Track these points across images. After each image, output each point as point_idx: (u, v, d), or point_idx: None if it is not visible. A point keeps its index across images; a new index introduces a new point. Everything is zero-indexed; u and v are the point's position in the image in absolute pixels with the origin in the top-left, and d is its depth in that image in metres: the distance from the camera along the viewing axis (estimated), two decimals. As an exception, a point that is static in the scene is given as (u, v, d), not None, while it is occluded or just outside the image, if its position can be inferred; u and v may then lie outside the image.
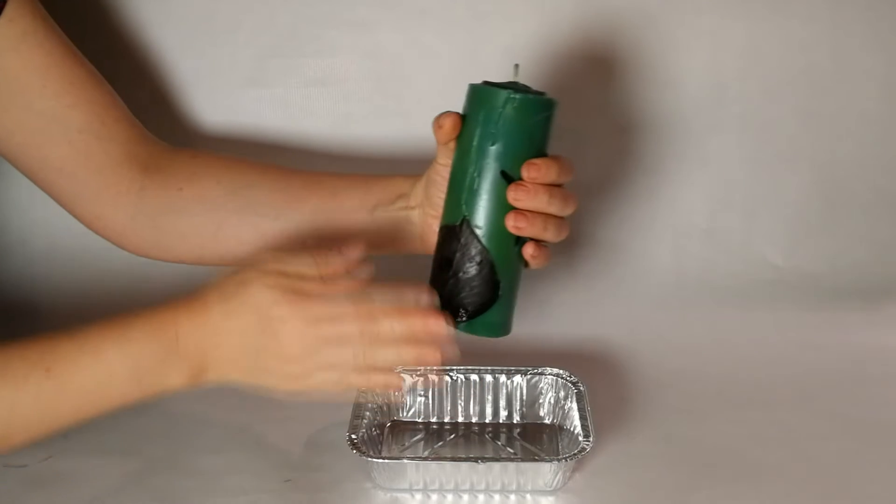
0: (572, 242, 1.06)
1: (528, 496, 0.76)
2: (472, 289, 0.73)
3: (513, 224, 0.70)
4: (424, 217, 0.77)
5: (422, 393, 0.88)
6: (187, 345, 0.70)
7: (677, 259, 1.07)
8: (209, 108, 1.01)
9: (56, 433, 0.71)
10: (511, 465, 0.75)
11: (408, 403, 0.88)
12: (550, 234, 0.72)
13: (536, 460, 0.78)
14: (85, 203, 0.82)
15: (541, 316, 1.03)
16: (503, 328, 0.76)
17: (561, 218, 0.73)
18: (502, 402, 0.88)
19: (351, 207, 0.80)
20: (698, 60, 1.01)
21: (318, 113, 1.01)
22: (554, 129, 1.01)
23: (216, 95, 1.01)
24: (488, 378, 0.88)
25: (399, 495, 0.77)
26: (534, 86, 0.73)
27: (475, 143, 0.71)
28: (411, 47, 1.00)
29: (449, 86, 0.98)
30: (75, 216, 0.84)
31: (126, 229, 0.83)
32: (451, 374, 0.88)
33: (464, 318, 0.74)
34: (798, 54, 1.02)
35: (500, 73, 0.97)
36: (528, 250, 0.72)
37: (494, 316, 0.74)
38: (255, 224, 0.81)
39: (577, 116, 1.02)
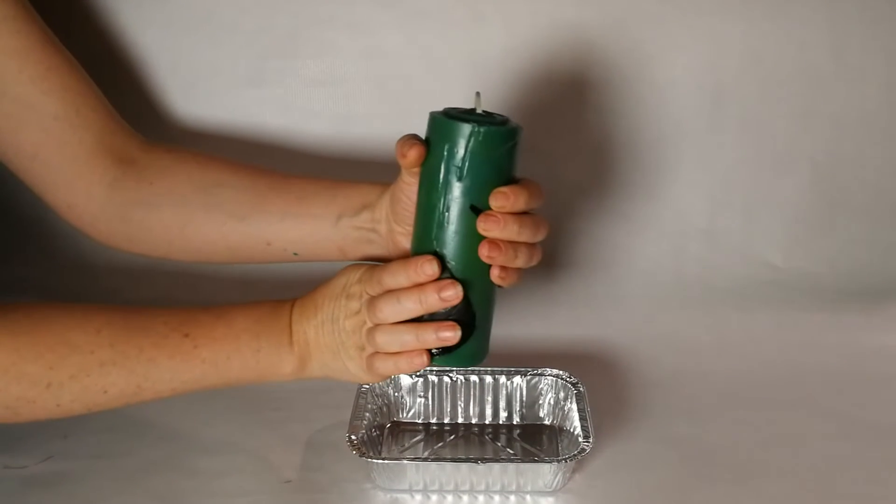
0: (572, 243, 1.06)
1: (528, 497, 0.76)
2: None
3: (486, 254, 0.68)
4: (390, 231, 0.76)
5: (422, 394, 0.88)
6: (298, 336, 0.76)
7: (677, 259, 1.07)
8: (210, 109, 1.01)
9: (174, 397, 0.76)
10: (511, 466, 0.76)
11: (408, 404, 0.88)
12: (521, 262, 0.70)
13: (536, 461, 0.78)
14: (57, 191, 0.82)
15: (541, 316, 1.03)
16: (480, 356, 0.73)
17: (532, 244, 0.71)
18: (502, 403, 0.88)
19: (316, 214, 0.80)
20: (698, 61, 1.01)
21: (317, 113, 1.01)
22: (556, 131, 1.02)
23: (216, 96, 1.01)
24: (488, 379, 0.88)
25: (399, 496, 0.77)
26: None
27: (441, 177, 0.68)
28: (411, 48, 1.00)
29: (449, 86, 0.99)
30: (48, 203, 0.84)
31: (96, 219, 0.83)
32: (450, 374, 0.88)
33: (440, 353, 0.71)
34: (797, 54, 1.02)
35: (500, 74, 0.98)
36: (496, 272, 0.70)
37: (471, 347, 0.72)
38: (221, 223, 0.81)
39: (576, 117, 1.02)
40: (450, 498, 0.76)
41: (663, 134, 1.03)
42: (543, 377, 0.87)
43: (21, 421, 0.72)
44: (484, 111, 0.70)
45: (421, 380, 0.88)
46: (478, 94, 0.70)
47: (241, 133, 1.01)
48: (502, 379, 0.87)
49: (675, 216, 1.06)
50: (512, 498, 0.77)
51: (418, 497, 0.77)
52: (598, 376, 0.94)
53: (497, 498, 0.76)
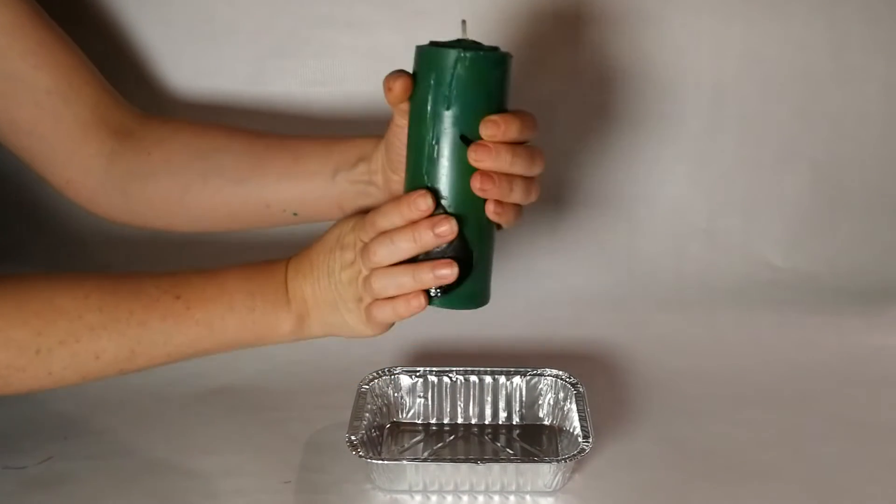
0: (573, 244, 1.06)
1: (528, 497, 0.76)
2: None
3: (479, 187, 0.67)
4: (387, 181, 0.76)
5: (421, 394, 0.88)
6: (294, 294, 0.75)
7: (677, 259, 1.07)
8: (210, 108, 1.01)
9: (172, 363, 0.75)
10: (510, 466, 0.75)
11: (407, 405, 0.88)
12: (517, 196, 0.68)
13: (536, 461, 0.78)
14: (55, 166, 0.82)
15: (540, 316, 1.03)
16: (481, 298, 0.72)
17: (529, 178, 0.69)
18: (502, 404, 0.88)
19: (313, 171, 0.79)
20: (698, 61, 1.01)
21: (317, 114, 1.01)
22: (556, 132, 1.02)
23: (216, 95, 1.01)
24: (487, 379, 0.87)
25: (399, 496, 0.77)
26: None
27: (429, 108, 0.67)
28: (410, 49, 0.99)
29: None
30: (46, 179, 0.84)
31: (96, 194, 0.83)
32: (450, 375, 0.88)
33: (439, 294, 0.70)
34: (797, 54, 1.02)
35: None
36: (490, 207, 0.68)
37: (471, 287, 0.70)
38: (220, 188, 0.81)
39: (578, 118, 1.02)
40: (449, 498, 0.76)
41: (663, 134, 1.03)
42: (543, 377, 0.87)
43: (14, 392, 0.71)
44: (473, 41, 0.68)
45: (420, 380, 0.87)
46: (464, 21, 0.68)
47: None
48: (502, 379, 0.87)
49: (675, 216, 1.06)
50: (512, 498, 0.77)
51: (418, 497, 0.77)
52: (598, 376, 0.94)
53: (497, 498, 0.76)
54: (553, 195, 1.04)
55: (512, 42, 0.98)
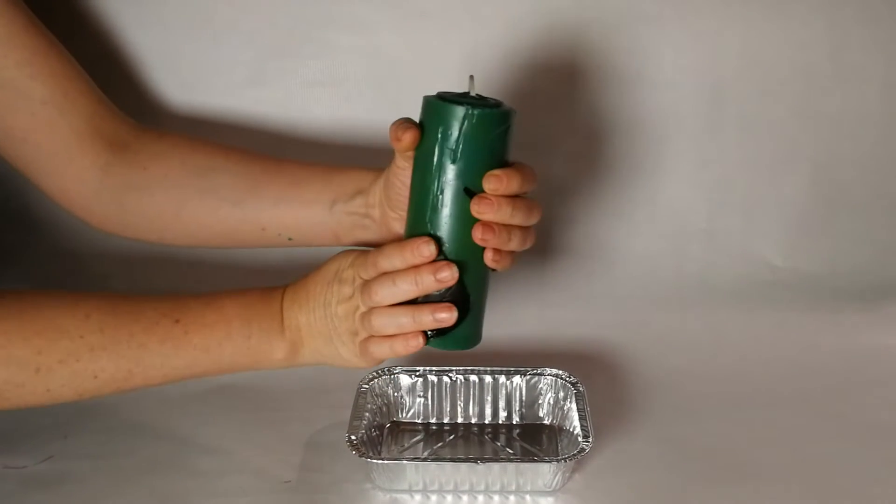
0: (572, 244, 1.06)
1: (528, 497, 0.77)
2: None
3: (480, 237, 0.69)
4: (384, 216, 0.77)
5: (421, 394, 0.88)
6: (289, 323, 0.76)
7: (677, 259, 1.07)
8: (209, 109, 1.01)
9: (166, 384, 0.76)
10: (510, 466, 0.76)
11: (407, 404, 0.88)
12: (514, 245, 0.71)
13: (536, 461, 0.78)
14: (50, 176, 0.82)
15: (540, 316, 1.03)
16: (474, 339, 0.75)
17: (525, 227, 0.72)
18: (502, 403, 0.88)
19: (310, 199, 0.80)
20: (697, 61, 1.01)
21: (317, 114, 1.01)
22: (556, 132, 1.02)
23: (216, 96, 1.01)
24: (487, 379, 0.88)
25: (398, 496, 0.77)
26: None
27: (435, 160, 0.69)
28: (411, 49, 1.00)
29: (448, 87, 0.99)
30: (41, 189, 0.84)
31: (90, 204, 0.83)
32: (450, 374, 0.88)
33: (434, 335, 0.72)
34: (797, 54, 1.02)
35: (500, 76, 0.98)
36: (489, 255, 0.71)
37: (466, 329, 0.73)
38: (215, 208, 0.82)
39: (577, 118, 1.02)
40: (449, 498, 0.77)
41: (662, 134, 1.03)
42: (543, 377, 0.87)
43: (11, 406, 0.72)
44: (477, 94, 0.70)
45: (420, 380, 0.88)
46: (471, 77, 0.70)
47: (241, 134, 1.01)
48: (502, 379, 0.87)
49: (675, 216, 1.06)
50: (511, 498, 0.77)
51: (418, 497, 0.77)
52: (598, 376, 0.94)
53: (497, 498, 0.77)
54: (553, 199, 1.04)
55: (512, 46, 0.98)
